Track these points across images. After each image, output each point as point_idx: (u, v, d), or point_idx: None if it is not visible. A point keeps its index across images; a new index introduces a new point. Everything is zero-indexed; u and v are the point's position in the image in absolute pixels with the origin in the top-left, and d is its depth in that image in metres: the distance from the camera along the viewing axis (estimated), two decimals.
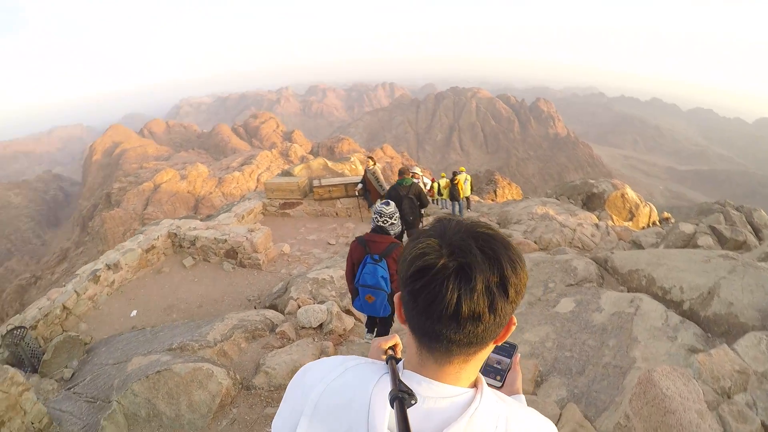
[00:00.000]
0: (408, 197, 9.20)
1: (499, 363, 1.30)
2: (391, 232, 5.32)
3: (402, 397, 0.88)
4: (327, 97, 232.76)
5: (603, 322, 5.58)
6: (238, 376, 5.85)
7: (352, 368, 1.09)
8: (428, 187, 18.82)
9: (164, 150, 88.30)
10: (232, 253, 11.63)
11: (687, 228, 10.84)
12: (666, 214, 21.18)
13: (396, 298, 1.05)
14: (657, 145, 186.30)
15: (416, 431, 0.88)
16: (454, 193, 16.13)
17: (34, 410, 5.43)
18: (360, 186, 14.17)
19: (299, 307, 7.84)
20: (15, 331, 8.71)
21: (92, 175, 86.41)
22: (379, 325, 6.19)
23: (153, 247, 12.24)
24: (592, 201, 18.66)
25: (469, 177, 17.16)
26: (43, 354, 8.45)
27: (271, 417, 4.43)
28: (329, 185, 15.91)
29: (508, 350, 1.32)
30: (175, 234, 12.51)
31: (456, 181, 15.97)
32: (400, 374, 1.02)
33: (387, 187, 13.44)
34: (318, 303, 7.85)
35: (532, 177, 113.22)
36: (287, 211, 16.28)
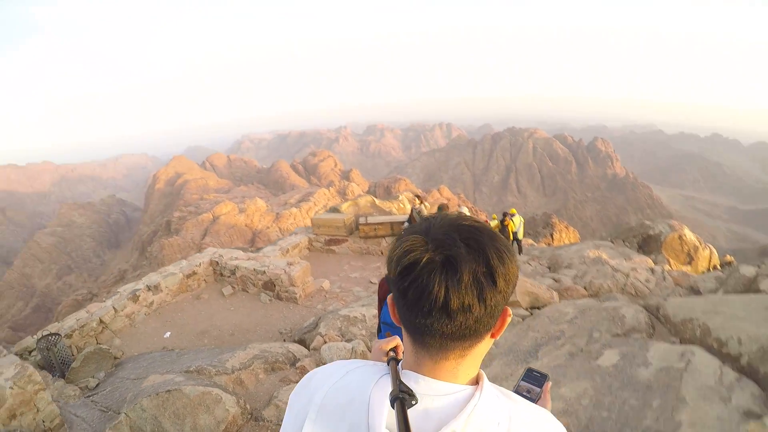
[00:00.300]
0: None
1: (529, 392, 1.30)
2: None
3: (402, 398, 0.88)
4: (385, 137, 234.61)
5: (648, 379, 5.02)
6: (248, 406, 5.69)
7: (354, 370, 1.10)
8: None
9: (224, 183, 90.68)
10: (269, 285, 11.53)
11: (748, 271, 9.86)
12: (728, 257, 19.65)
13: (389, 298, 1.05)
14: (719, 184, 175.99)
15: (415, 430, 0.88)
16: (504, 236, 15.36)
17: (47, 410, 5.66)
18: (405, 225, 13.86)
19: (325, 343, 7.61)
20: (49, 337, 9.04)
21: (154, 202, 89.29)
22: None
23: (194, 273, 12.33)
24: (648, 244, 17.60)
25: (522, 219, 16.54)
26: (73, 362, 8.65)
27: None
28: (375, 223, 15.72)
29: (539, 379, 1.33)
30: (217, 262, 12.57)
31: (506, 223, 15.32)
32: (400, 375, 1.02)
33: None
34: (345, 341, 7.59)
35: (590, 220, 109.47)
36: (332, 247, 16.18)
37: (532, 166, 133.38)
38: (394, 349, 1.23)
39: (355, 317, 8.69)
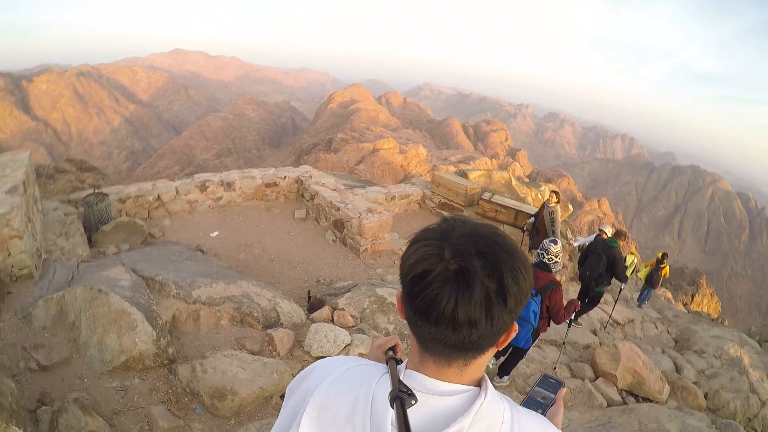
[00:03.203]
0: (599, 254, 8.46)
1: (544, 398, 1.27)
2: (553, 270, 5.51)
3: (402, 397, 0.86)
4: (563, 129, 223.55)
5: None
6: (171, 350, 4.56)
7: (355, 368, 1.08)
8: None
9: (394, 121, 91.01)
10: (339, 225, 10.06)
11: None
12: None
13: (397, 295, 1.02)
14: None
15: (419, 429, 0.89)
16: (654, 278, 13.17)
17: (18, 257, 5.45)
18: (531, 220, 11.52)
19: (331, 320, 5.89)
20: (96, 195, 8.70)
21: (323, 118, 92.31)
22: (512, 354, 6.15)
23: (275, 184, 11.31)
24: None
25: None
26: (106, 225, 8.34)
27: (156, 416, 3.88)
28: (499, 204, 13.35)
29: (554, 386, 1.29)
30: (302, 181, 11.25)
31: (663, 266, 13.07)
32: (401, 375, 1.01)
33: (560, 233, 11.04)
34: (356, 330, 5.77)
35: (738, 298, 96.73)
36: (444, 212, 14.20)
37: (702, 215, 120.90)
38: (393, 349, 1.20)
39: (392, 303, 6.64)
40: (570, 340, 8.21)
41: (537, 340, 6.22)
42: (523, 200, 17.50)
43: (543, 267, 5.43)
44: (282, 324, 5.55)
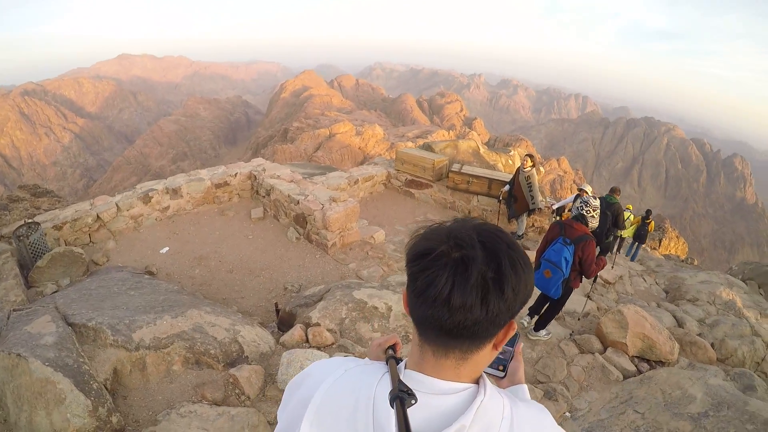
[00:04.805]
0: (605, 213, 9.06)
1: (503, 353, 1.22)
2: (589, 224, 5.78)
3: (402, 397, 0.86)
4: (517, 94, 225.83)
5: None
6: (115, 419, 3.46)
7: (354, 368, 1.07)
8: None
9: (348, 104, 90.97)
10: (301, 220, 9.06)
11: None
12: None
13: (403, 291, 1.03)
14: None
15: (420, 429, 0.89)
16: (642, 233, 13.96)
17: None
18: (506, 188, 10.73)
19: (306, 339, 4.95)
20: (28, 226, 7.46)
21: (277, 109, 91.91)
22: (547, 310, 6.31)
23: (226, 183, 10.23)
24: None
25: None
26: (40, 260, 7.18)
27: None
28: (470, 174, 12.43)
29: (512, 340, 1.23)
30: (255, 176, 10.24)
31: (649, 221, 13.87)
32: (401, 374, 1.00)
33: (540, 198, 10.44)
34: (337, 349, 4.82)
35: (702, 237, 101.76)
36: (412, 190, 13.32)
37: (660, 164, 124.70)
38: (393, 348, 1.20)
39: (374, 308, 5.78)
40: (567, 310, 7.64)
41: (570, 295, 6.15)
42: (494, 168, 16.73)
43: (580, 219, 5.68)
44: (247, 357, 4.55)
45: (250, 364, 4.31)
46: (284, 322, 5.85)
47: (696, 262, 24.69)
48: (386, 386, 0.94)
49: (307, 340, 4.97)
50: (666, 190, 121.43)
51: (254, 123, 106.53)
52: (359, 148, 60.06)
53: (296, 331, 5.07)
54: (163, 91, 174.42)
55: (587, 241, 5.44)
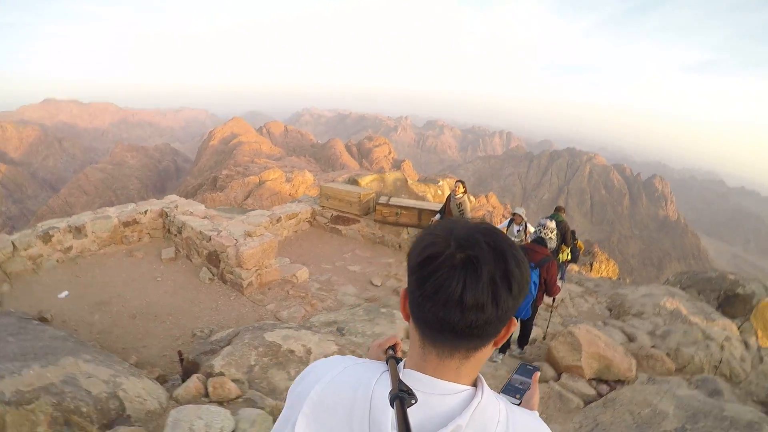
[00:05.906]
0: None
1: (521, 384, 1.29)
2: (549, 246, 6.09)
3: (402, 397, 0.85)
4: (443, 135, 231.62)
5: None
6: None
7: (353, 366, 1.06)
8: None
9: (277, 151, 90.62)
10: (214, 259, 8.47)
11: None
12: None
13: (402, 291, 1.03)
14: None
15: (418, 428, 0.88)
16: (575, 255, 13.00)
17: None
18: (437, 217, 10.41)
19: (205, 393, 4.22)
20: None
21: (206, 157, 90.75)
22: (521, 331, 6.52)
23: (136, 221, 9.60)
24: (732, 304, 13.04)
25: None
26: None
27: None
28: (398, 206, 12.14)
29: (530, 372, 1.32)
30: (167, 213, 9.51)
31: (576, 241, 12.91)
32: (400, 374, 0.99)
33: None
34: (243, 403, 4.09)
35: (631, 257, 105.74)
36: (339, 227, 12.91)
37: (584, 191, 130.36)
38: (393, 348, 1.19)
39: (290, 351, 5.09)
40: (512, 338, 7.25)
41: (536, 312, 6.48)
42: (423, 198, 16.51)
43: (540, 242, 5.93)
44: (129, 417, 3.75)
45: (132, 426, 3.58)
46: (188, 372, 5.10)
47: (628, 281, 25.43)
48: (384, 384, 0.94)
49: (207, 394, 4.25)
50: (592, 215, 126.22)
51: (183, 171, 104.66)
52: (289, 195, 59.16)
53: (192, 383, 4.31)
54: (90, 137, 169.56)
55: (551, 262, 5.75)
